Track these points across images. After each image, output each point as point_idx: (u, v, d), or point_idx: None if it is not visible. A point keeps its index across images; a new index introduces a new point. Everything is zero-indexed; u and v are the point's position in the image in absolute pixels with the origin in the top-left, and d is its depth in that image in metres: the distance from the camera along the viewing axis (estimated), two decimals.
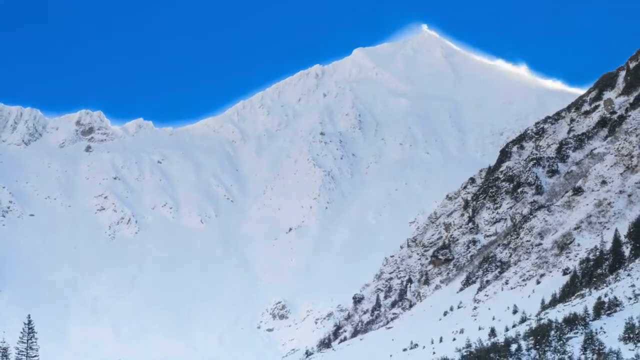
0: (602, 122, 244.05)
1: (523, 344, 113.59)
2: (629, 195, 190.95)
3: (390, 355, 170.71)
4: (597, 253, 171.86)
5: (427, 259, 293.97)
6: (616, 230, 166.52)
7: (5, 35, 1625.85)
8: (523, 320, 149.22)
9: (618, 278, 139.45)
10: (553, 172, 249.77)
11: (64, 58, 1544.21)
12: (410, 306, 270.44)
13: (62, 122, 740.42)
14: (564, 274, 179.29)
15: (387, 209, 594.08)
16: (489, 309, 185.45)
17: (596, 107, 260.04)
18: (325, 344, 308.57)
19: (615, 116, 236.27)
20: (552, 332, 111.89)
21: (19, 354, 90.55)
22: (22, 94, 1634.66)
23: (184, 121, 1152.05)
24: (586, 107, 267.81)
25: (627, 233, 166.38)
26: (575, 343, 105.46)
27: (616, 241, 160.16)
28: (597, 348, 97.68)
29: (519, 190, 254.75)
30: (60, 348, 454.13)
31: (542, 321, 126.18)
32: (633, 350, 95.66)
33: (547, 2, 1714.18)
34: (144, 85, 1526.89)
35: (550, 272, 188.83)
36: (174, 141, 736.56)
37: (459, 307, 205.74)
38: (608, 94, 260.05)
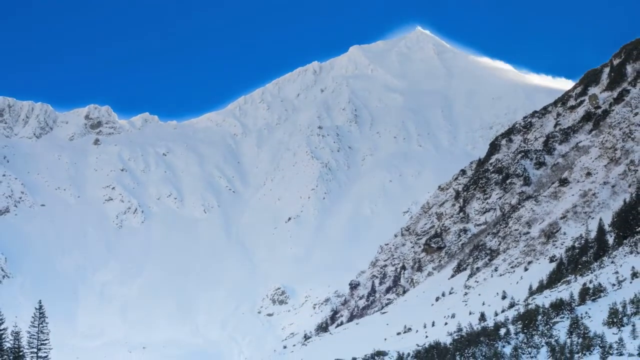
0: (587, 117, 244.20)
1: (511, 328, 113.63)
2: (613, 186, 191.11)
3: (385, 339, 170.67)
4: (583, 241, 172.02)
5: (420, 247, 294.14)
6: (600, 219, 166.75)
7: (17, 35, 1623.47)
8: (512, 305, 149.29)
9: (602, 265, 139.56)
10: (540, 164, 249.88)
11: (73, 56, 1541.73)
12: (404, 292, 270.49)
13: (72, 116, 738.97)
14: (551, 261, 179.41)
15: (382, 199, 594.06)
16: (479, 294, 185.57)
17: (581, 102, 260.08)
18: (322, 328, 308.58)
19: (599, 111, 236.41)
20: (540, 317, 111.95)
21: (30, 337, 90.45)
22: (34, 90, 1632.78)
23: (188, 115, 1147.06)
24: (572, 102, 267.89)
25: (611, 222, 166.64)
26: (561, 327, 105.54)
27: (600, 230, 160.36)
28: (582, 332, 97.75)
29: (507, 182, 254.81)
30: (70, 332, 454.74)
31: (529, 306, 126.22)
32: (617, 334, 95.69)
33: (535, 2, 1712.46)
34: (149, 81, 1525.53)
35: (538, 259, 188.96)
36: (179, 134, 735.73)
37: (450, 293, 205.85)
38: (593, 90, 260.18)
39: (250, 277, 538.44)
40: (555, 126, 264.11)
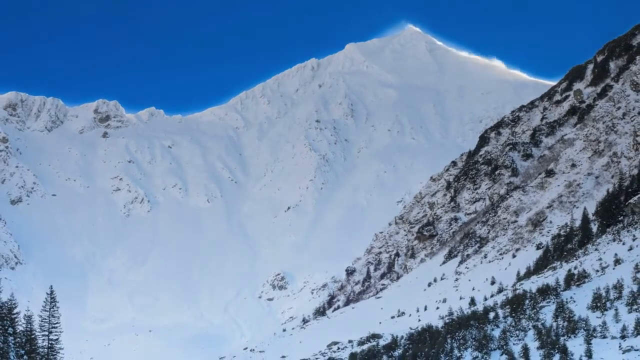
0: (572, 111, 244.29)
1: (500, 312, 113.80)
2: (597, 177, 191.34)
3: (380, 323, 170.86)
4: (568, 229, 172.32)
5: (413, 235, 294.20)
6: (585, 208, 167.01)
7: (28, 33, 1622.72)
8: (500, 290, 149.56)
9: (586, 252, 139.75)
10: (527, 156, 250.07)
11: (83, 53, 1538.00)
12: (398, 278, 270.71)
13: (81, 110, 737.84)
14: (538, 248, 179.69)
15: (377, 189, 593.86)
16: (469, 280, 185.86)
17: (567, 97, 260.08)
18: (320, 312, 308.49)
19: (584, 105, 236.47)
20: (527, 302, 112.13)
21: (42, 321, 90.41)
22: (45, 86, 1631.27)
23: (192, 110, 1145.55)
24: (557, 97, 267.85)
25: (595, 211, 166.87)
26: (547, 311, 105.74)
27: (585, 219, 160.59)
28: (567, 316, 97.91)
29: (496, 173, 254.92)
30: (80, 316, 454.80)
31: (517, 291, 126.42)
32: (600, 317, 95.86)
33: (523, 2, 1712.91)
34: (156, 77, 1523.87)
35: (525, 246, 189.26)
36: (183, 128, 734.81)
37: (442, 279, 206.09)
38: (577, 85, 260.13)
39: (251, 263, 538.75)
40: (541, 120, 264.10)
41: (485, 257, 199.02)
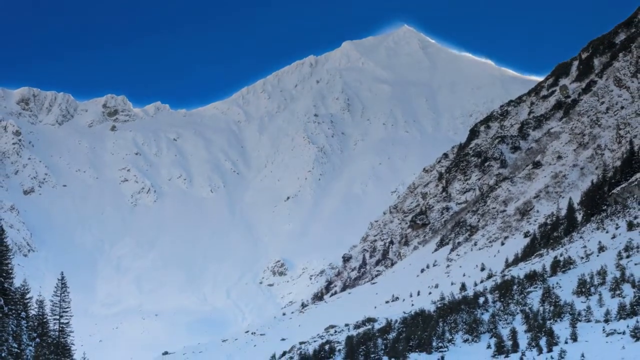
0: (558, 105, 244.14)
1: (489, 297, 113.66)
2: (581, 169, 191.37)
3: (375, 307, 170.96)
4: (554, 218, 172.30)
5: (406, 223, 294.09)
6: (570, 198, 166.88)
7: (40, 30, 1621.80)
8: (489, 276, 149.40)
9: (572, 240, 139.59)
10: (515, 149, 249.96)
11: (92, 50, 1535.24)
12: (392, 264, 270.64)
13: (91, 105, 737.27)
14: (525, 236, 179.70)
15: (372, 180, 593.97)
16: (460, 266, 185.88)
17: (553, 92, 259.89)
18: (318, 297, 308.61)
19: (569, 100, 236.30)
20: (515, 287, 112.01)
21: (53, 306, 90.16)
22: (56, 81, 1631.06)
23: (196, 104, 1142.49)
24: (544, 92, 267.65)
25: (580, 201, 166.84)
26: (534, 296, 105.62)
27: (570, 208, 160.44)
28: (553, 300, 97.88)
29: (486, 164, 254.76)
30: (89, 300, 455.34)
31: (506, 277, 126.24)
32: (585, 302, 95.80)
33: (511, 2, 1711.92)
34: (162, 73, 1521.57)
35: (513, 235, 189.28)
36: (188, 122, 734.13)
37: (434, 265, 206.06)
38: (563, 81, 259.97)
39: (252, 250, 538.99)
40: (529, 114, 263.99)
41: (475, 244, 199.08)
